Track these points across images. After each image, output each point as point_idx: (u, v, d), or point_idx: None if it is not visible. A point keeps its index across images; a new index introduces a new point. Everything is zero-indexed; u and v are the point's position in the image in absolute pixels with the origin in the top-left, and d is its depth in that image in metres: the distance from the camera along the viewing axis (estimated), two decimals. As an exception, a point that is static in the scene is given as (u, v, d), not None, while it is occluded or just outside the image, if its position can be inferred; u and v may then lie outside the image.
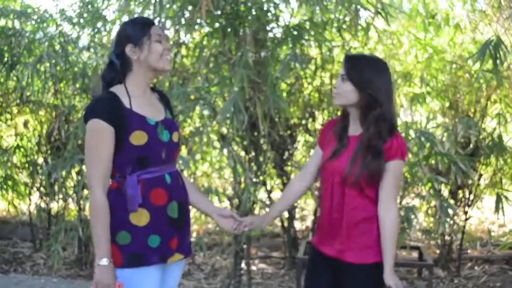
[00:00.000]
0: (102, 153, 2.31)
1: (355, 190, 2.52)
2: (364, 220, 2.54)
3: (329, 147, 2.64)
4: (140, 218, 2.35)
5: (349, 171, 2.50)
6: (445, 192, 5.47)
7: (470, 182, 5.40)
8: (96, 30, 5.18)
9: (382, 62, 2.62)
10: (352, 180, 2.50)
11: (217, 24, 4.59)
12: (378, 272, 2.52)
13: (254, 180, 4.89)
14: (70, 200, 5.60)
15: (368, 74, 2.51)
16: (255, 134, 4.87)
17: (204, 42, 4.77)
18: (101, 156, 2.31)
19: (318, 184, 4.47)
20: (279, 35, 4.75)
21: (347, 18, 4.65)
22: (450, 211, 4.35)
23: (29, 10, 5.65)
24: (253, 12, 4.52)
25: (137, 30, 2.42)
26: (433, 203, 5.10)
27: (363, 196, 2.53)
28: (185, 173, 4.87)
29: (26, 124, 6.03)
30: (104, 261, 2.28)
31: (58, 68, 4.93)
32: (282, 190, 5.32)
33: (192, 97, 4.59)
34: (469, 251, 6.34)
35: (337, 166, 2.56)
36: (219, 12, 4.50)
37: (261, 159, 4.99)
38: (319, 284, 2.70)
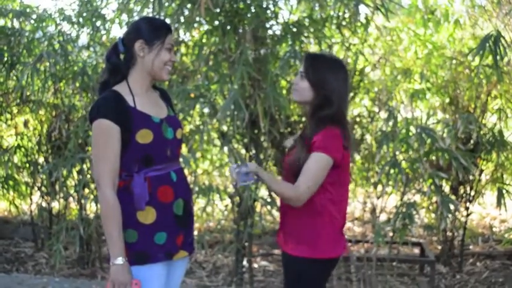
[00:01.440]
0: (109, 152, 2.32)
1: (292, 178, 2.55)
2: (304, 213, 2.57)
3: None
4: (147, 215, 2.37)
5: (288, 161, 2.61)
6: (446, 188, 5.47)
7: (471, 177, 5.40)
8: (95, 29, 5.18)
9: (340, 63, 2.68)
10: (288, 168, 2.59)
11: (216, 22, 4.58)
12: (310, 267, 2.58)
13: (255, 177, 4.88)
14: (71, 199, 5.61)
15: (324, 74, 2.57)
16: (255, 131, 4.87)
17: (204, 40, 4.77)
18: (109, 156, 2.32)
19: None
20: (278, 32, 4.75)
21: (346, 15, 4.65)
22: (451, 206, 4.34)
23: (28, 9, 5.65)
24: (253, 10, 4.52)
25: (154, 30, 2.43)
26: (434, 199, 5.11)
27: None
28: (186, 171, 4.87)
29: (26, 124, 6.03)
30: (119, 260, 2.29)
31: (58, 67, 4.93)
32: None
33: (192, 95, 4.59)
34: (470, 247, 6.34)
35: (286, 160, 2.67)
36: (218, 10, 4.49)
37: (262, 156, 4.98)
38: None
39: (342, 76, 2.61)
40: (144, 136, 2.36)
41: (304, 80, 2.59)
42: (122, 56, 2.47)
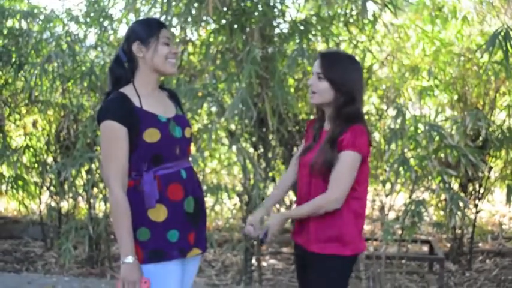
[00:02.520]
0: (117, 153, 2.34)
1: (319, 179, 2.56)
2: (328, 212, 2.56)
3: (306, 144, 2.74)
4: (158, 213, 2.38)
5: (314, 162, 2.56)
6: (455, 185, 5.45)
7: (480, 174, 5.38)
8: (102, 29, 5.19)
9: (354, 59, 2.67)
10: (316, 169, 2.56)
11: (223, 21, 4.58)
12: (339, 264, 2.59)
13: (263, 176, 4.89)
14: (80, 198, 5.63)
15: (343, 72, 2.55)
16: (264, 130, 4.87)
17: (211, 39, 4.77)
18: (118, 156, 2.34)
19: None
20: (285, 31, 4.74)
21: (354, 13, 4.63)
22: (461, 204, 4.33)
23: (36, 10, 5.67)
24: (260, 8, 4.51)
25: (146, 29, 2.45)
26: (443, 196, 5.09)
27: (327, 186, 2.55)
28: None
29: (34, 124, 6.05)
30: (129, 259, 2.31)
31: (66, 67, 4.94)
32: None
33: (200, 94, 4.59)
34: (480, 245, 6.32)
35: (307, 159, 2.64)
36: (225, 9, 4.49)
37: (270, 155, 4.98)
38: (299, 274, 2.82)
39: (359, 72, 2.61)
40: (151, 135, 2.37)
41: (323, 80, 2.56)
42: (126, 65, 2.48)
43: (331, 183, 2.51)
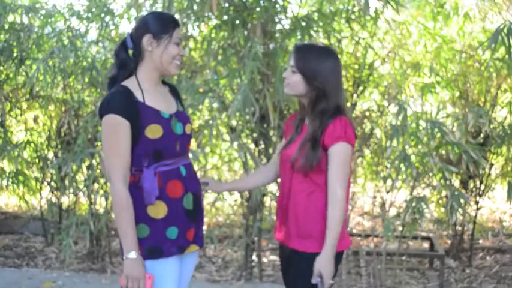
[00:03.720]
0: (120, 147, 2.32)
1: (300, 174, 2.52)
2: (309, 207, 2.53)
3: (287, 137, 2.70)
4: (158, 210, 2.37)
5: (294, 158, 2.52)
6: (456, 182, 5.45)
7: (481, 171, 5.38)
8: (104, 24, 5.18)
9: (330, 51, 2.61)
10: (297, 166, 2.51)
11: (225, 17, 4.58)
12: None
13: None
14: (81, 194, 5.63)
15: (315, 66, 2.51)
16: (265, 126, 4.86)
17: (212, 35, 4.76)
18: (120, 151, 2.32)
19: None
20: (287, 27, 4.74)
21: (355, 9, 4.63)
22: (461, 200, 4.33)
23: (37, 5, 5.66)
24: (262, 4, 4.51)
25: (161, 25, 2.43)
26: (444, 193, 5.09)
27: (309, 180, 2.52)
28: (195, 166, 4.87)
29: (35, 119, 6.05)
30: (133, 254, 2.29)
31: (67, 62, 4.94)
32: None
33: (201, 90, 4.59)
34: (480, 241, 6.32)
35: (288, 153, 2.60)
36: (227, 5, 4.49)
37: (271, 151, 4.98)
38: (283, 272, 2.78)
39: (333, 65, 2.54)
40: (153, 131, 2.36)
41: (296, 73, 2.53)
42: (130, 52, 2.47)
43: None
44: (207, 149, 5.09)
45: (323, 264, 2.44)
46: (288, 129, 2.74)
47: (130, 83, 2.42)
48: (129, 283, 2.30)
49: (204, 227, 2.68)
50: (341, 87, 2.59)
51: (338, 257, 2.55)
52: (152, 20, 2.44)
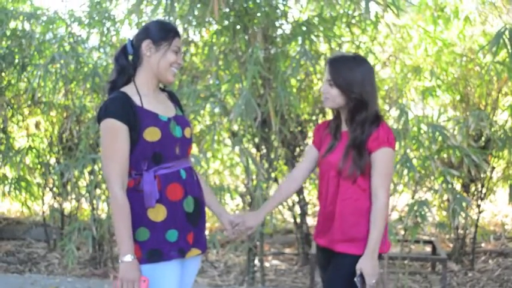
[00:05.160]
0: (118, 151, 2.33)
1: (349, 181, 2.58)
2: (355, 211, 2.58)
3: (325, 145, 2.73)
4: (158, 213, 2.38)
5: (342, 166, 2.58)
6: (458, 185, 5.45)
7: (482, 175, 5.38)
8: (105, 30, 5.20)
9: (365, 62, 2.68)
10: (346, 173, 2.57)
11: (226, 22, 4.59)
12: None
13: (266, 176, 4.89)
14: (83, 199, 5.63)
15: (350, 77, 2.58)
16: (266, 130, 4.87)
17: (214, 40, 4.78)
18: (118, 155, 2.33)
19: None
20: (288, 32, 4.75)
21: (356, 13, 4.64)
22: (463, 204, 4.33)
23: (39, 11, 5.68)
24: (263, 9, 4.52)
25: (162, 32, 2.46)
26: (445, 196, 5.09)
27: (356, 187, 2.58)
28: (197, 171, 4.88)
29: (37, 125, 6.07)
30: (128, 258, 2.31)
31: (69, 68, 4.95)
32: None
33: (202, 95, 4.60)
34: (482, 245, 6.31)
35: (332, 160, 2.64)
36: (228, 10, 4.50)
37: (272, 155, 4.99)
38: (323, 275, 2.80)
39: (366, 73, 2.62)
40: (151, 134, 2.37)
41: (333, 86, 2.60)
42: (130, 58, 2.49)
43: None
44: (209, 154, 5.10)
45: (364, 264, 2.51)
46: (320, 137, 2.79)
47: (128, 89, 2.44)
48: (123, 286, 2.31)
49: (206, 232, 2.68)
50: (376, 93, 2.67)
51: (379, 259, 2.60)
52: (154, 27, 2.48)
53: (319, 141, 2.79)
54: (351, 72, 2.59)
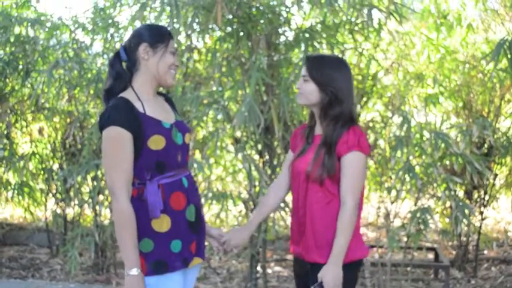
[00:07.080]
0: (123, 160, 2.27)
1: (316, 185, 2.53)
2: (326, 216, 2.53)
3: (298, 149, 2.70)
4: (162, 224, 2.33)
5: (310, 169, 2.53)
6: (460, 192, 5.45)
7: (485, 182, 5.38)
8: (109, 36, 5.21)
9: (342, 61, 2.68)
10: (314, 176, 2.52)
11: (229, 29, 4.60)
12: (348, 271, 2.49)
13: (268, 183, 4.89)
14: (86, 205, 5.63)
15: (328, 73, 2.56)
16: (269, 137, 4.88)
17: (217, 47, 4.79)
18: (122, 163, 2.27)
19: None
20: (291, 38, 4.76)
21: (359, 20, 4.65)
22: (466, 211, 4.33)
23: (43, 18, 5.70)
24: (266, 16, 4.53)
25: (157, 34, 2.43)
26: (448, 203, 5.09)
27: (325, 191, 2.53)
28: (200, 178, 4.88)
29: (41, 131, 6.08)
30: (134, 271, 2.26)
31: (72, 74, 4.97)
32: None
33: (206, 101, 4.60)
34: (485, 252, 6.31)
35: (301, 165, 2.60)
36: (231, 17, 4.51)
37: (275, 162, 4.99)
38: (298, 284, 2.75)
39: (345, 73, 2.61)
40: (156, 142, 2.32)
41: (309, 82, 2.57)
42: (124, 64, 2.45)
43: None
44: (212, 160, 5.10)
45: (324, 273, 2.45)
46: (296, 142, 2.75)
47: (128, 94, 2.38)
48: None
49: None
50: (353, 95, 2.63)
51: (354, 267, 2.56)
52: (147, 31, 2.45)
53: (294, 145, 2.76)
54: (330, 69, 2.58)
